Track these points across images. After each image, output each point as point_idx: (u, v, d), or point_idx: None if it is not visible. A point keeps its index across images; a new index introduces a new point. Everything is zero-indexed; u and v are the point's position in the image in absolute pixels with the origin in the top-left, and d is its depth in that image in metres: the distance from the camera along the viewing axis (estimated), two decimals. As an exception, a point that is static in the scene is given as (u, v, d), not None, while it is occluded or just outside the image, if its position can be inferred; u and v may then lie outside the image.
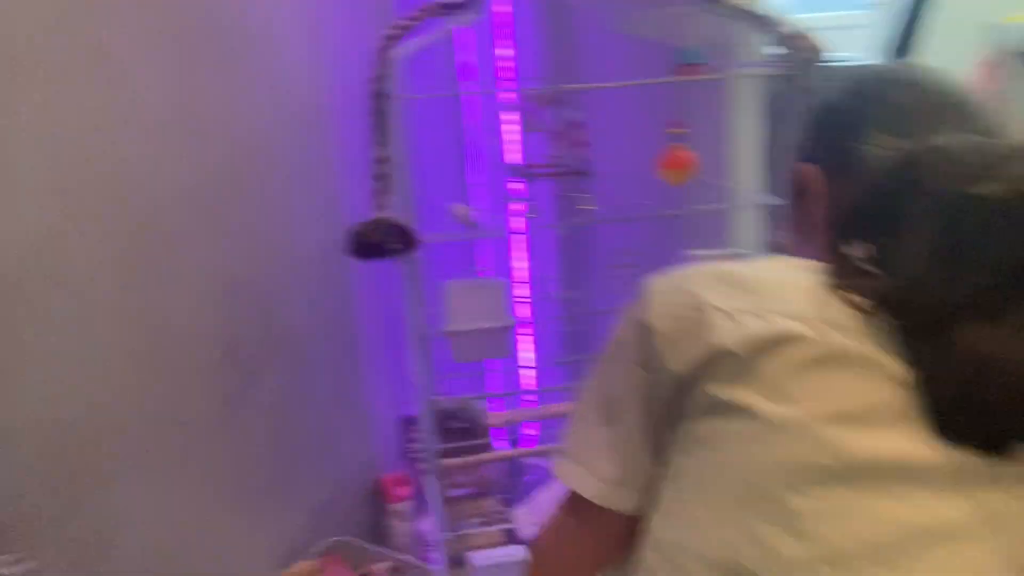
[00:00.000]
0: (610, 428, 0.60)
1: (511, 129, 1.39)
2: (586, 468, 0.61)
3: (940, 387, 0.49)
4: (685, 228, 1.29)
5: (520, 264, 1.48)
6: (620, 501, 0.60)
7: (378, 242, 1.03)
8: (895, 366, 0.50)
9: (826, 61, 1.20)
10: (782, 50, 1.25)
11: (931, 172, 0.54)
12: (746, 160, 1.49)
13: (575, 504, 0.63)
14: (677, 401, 0.56)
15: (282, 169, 1.27)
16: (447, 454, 1.32)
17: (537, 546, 0.67)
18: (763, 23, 1.20)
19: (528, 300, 1.51)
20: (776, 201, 1.24)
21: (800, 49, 1.19)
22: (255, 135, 1.17)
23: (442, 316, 1.20)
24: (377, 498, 1.60)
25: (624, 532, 0.61)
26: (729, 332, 0.52)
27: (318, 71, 1.38)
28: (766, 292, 0.55)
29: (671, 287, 0.58)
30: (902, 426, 0.49)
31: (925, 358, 0.50)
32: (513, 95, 1.33)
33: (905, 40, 2.81)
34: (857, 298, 0.53)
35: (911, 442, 0.48)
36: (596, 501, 0.60)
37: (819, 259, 0.59)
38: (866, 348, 0.50)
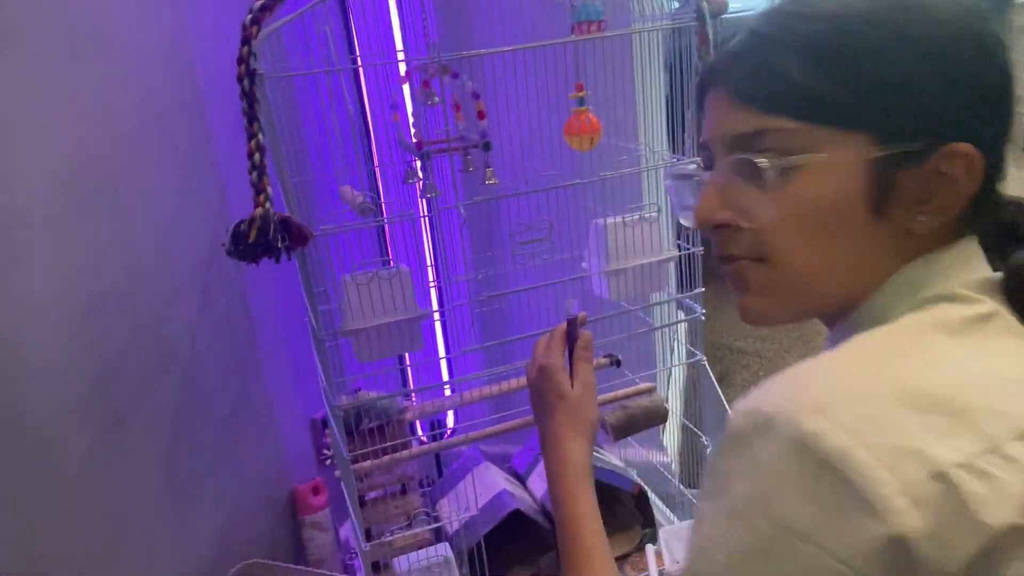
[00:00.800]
0: None
1: (405, 104, 1.28)
2: None
3: None
4: (594, 194, 1.23)
5: (424, 248, 1.38)
6: None
7: (259, 242, 0.91)
8: None
9: (728, 12, 1.14)
10: (684, 2, 1.19)
11: None
12: (651, 120, 1.43)
13: None
14: None
15: (155, 165, 1.13)
16: (362, 456, 1.23)
17: None
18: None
19: (435, 285, 1.42)
20: (687, 162, 1.19)
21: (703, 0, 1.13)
22: (117, 130, 1.02)
23: (340, 312, 1.09)
24: (292, 510, 1.50)
25: None
26: (995, 501, 0.39)
27: (185, 53, 1.23)
28: (979, 409, 0.41)
29: (881, 448, 0.39)
30: None
31: None
32: (403, 67, 1.22)
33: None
34: None
35: None
36: None
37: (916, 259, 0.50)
38: None
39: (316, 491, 1.49)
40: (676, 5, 1.46)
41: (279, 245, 0.93)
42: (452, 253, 1.27)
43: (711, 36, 1.10)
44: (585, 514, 0.76)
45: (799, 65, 0.49)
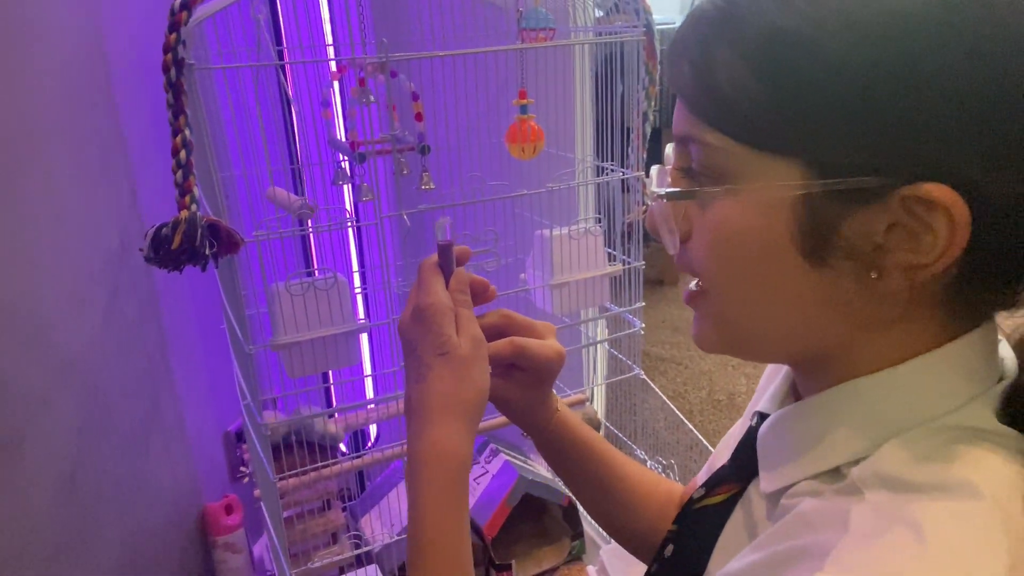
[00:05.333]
0: None
1: (338, 103, 1.21)
2: None
3: None
4: (536, 204, 1.20)
5: (351, 256, 1.32)
6: None
7: (183, 248, 0.84)
8: None
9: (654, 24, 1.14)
10: (615, 13, 1.18)
11: None
12: (586, 129, 1.42)
13: None
14: None
15: (60, 160, 1.02)
16: (290, 475, 1.16)
17: None
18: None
19: (363, 294, 1.36)
20: (623, 172, 1.18)
21: (633, 12, 1.12)
22: (17, 121, 0.92)
23: (271, 324, 1.02)
24: (202, 530, 1.40)
25: None
26: None
27: (96, 38, 1.13)
28: None
29: None
30: None
31: None
32: (337, 64, 1.16)
33: None
34: None
35: None
36: None
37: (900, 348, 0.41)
38: None
39: (229, 510, 1.40)
40: (600, 14, 1.46)
41: (206, 252, 0.85)
42: (379, 261, 1.21)
43: (659, 50, 1.09)
44: (451, 538, 0.53)
45: (727, 66, 0.39)
